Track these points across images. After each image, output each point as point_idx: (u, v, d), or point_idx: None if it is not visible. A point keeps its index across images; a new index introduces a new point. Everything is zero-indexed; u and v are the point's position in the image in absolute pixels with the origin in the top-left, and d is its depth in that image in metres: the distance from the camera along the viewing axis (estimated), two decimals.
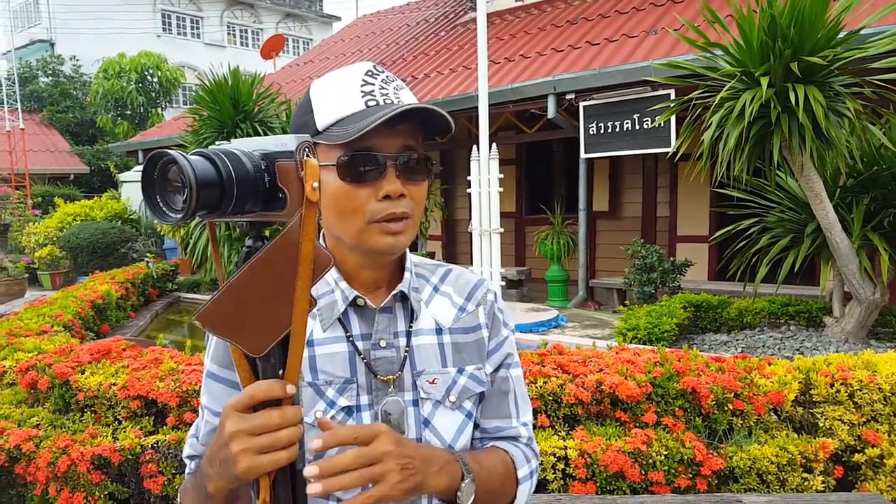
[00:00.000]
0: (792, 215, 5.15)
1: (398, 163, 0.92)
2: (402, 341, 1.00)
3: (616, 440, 2.60)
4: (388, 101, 0.92)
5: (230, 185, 0.67)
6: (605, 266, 9.28)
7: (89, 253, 11.91)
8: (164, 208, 0.67)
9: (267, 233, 0.77)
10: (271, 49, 14.22)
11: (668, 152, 5.67)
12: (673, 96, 6.26)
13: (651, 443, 2.58)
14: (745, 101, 3.99)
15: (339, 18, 33.41)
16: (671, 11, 7.93)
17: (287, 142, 0.72)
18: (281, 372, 0.74)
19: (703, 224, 8.50)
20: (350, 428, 0.83)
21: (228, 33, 29.05)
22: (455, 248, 11.16)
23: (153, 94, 20.55)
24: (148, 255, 10.56)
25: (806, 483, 2.59)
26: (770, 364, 2.99)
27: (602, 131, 7.48)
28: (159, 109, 20.84)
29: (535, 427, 2.71)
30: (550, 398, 2.77)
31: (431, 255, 10.11)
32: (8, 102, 17.27)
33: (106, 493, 2.83)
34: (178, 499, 0.93)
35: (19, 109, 17.44)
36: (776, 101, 4.01)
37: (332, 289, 1.00)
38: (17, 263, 10.46)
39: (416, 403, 0.99)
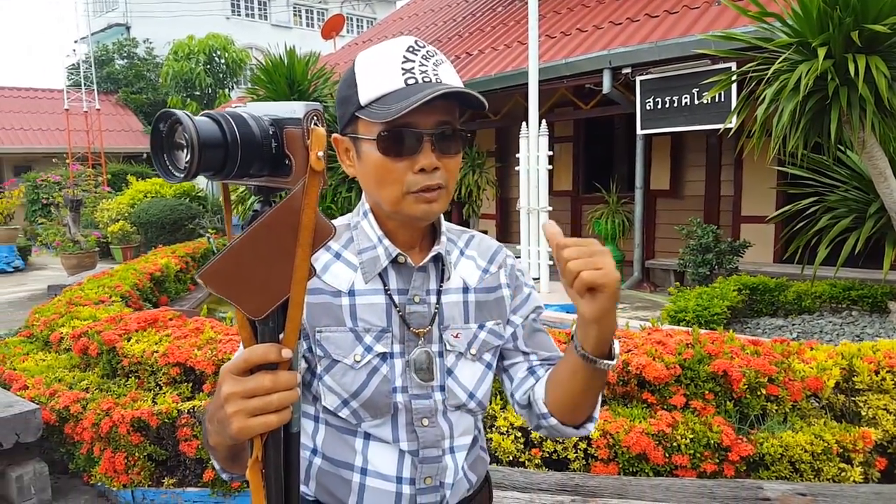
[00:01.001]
0: (856, 194, 4.86)
1: (434, 137, 0.98)
2: (434, 298, 1.09)
3: (640, 422, 2.54)
4: (426, 80, 0.97)
5: (234, 148, 0.68)
6: (665, 247, 8.99)
7: (158, 228, 12.46)
8: (169, 167, 0.69)
9: (278, 197, 0.77)
10: (331, 29, 14.37)
11: (726, 128, 5.42)
12: (734, 70, 5.96)
13: (676, 425, 2.50)
14: (800, 74, 3.76)
15: None
16: None
17: (296, 108, 0.72)
18: (281, 336, 0.75)
19: (768, 204, 8.07)
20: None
21: (294, 14, 29.43)
22: (509, 227, 11.06)
23: (220, 76, 21.10)
24: (210, 230, 10.94)
25: (843, 474, 2.47)
26: (812, 349, 2.85)
27: (659, 106, 7.23)
28: (226, 90, 21.39)
29: None
30: None
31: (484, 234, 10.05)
32: (86, 84, 18.08)
33: (145, 454, 2.97)
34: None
35: (95, 91, 18.19)
36: (833, 73, 3.76)
37: (374, 245, 1.07)
38: (88, 238, 11.02)
39: (441, 354, 1.08)
